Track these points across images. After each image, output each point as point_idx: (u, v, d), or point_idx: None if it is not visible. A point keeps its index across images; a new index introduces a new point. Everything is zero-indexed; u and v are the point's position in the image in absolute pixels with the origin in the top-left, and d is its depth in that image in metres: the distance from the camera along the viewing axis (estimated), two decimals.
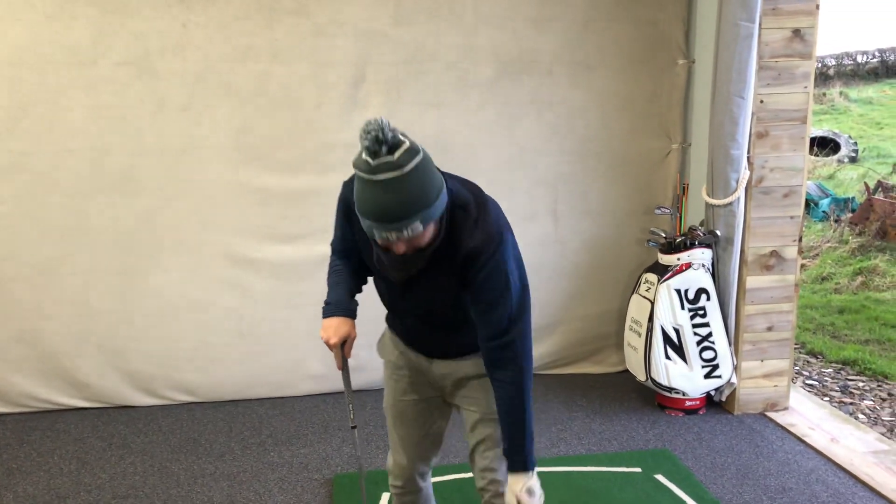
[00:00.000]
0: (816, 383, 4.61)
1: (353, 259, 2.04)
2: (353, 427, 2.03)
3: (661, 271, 3.71)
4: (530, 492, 1.86)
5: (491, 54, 3.98)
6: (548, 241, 4.15)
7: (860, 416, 4.11)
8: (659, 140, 4.14)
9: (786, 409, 3.82)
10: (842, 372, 4.81)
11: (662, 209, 3.92)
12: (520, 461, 1.88)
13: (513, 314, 1.82)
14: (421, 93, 3.93)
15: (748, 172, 3.55)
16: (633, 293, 3.91)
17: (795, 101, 3.54)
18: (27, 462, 3.39)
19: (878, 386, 4.57)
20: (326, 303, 2.00)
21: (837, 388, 4.53)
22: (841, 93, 20.94)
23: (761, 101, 3.50)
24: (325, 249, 3.91)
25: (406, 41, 3.89)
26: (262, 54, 3.78)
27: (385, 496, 3.03)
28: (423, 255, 1.74)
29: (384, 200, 1.58)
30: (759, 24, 3.38)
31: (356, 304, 2.04)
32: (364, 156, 1.59)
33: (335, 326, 1.96)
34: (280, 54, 3.79)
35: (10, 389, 3.85)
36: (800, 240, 3.69)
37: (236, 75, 3.78)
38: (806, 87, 3.53)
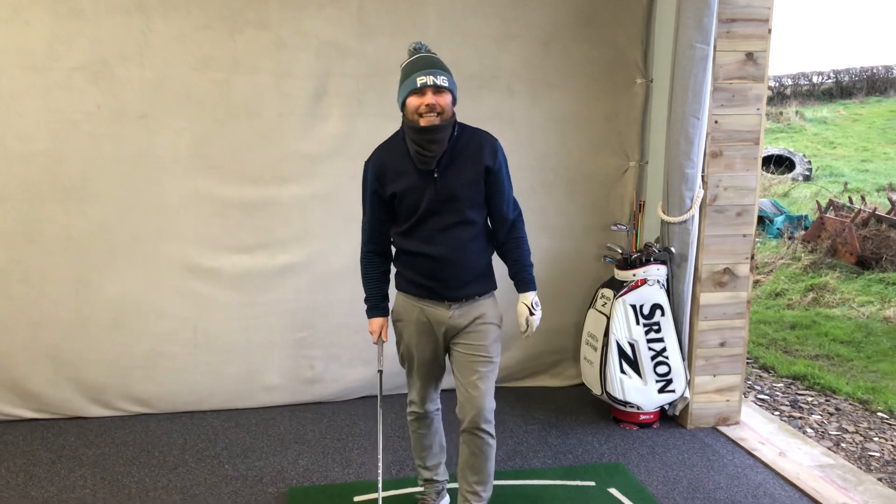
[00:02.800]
0: (768, 397, 4.72)
1: (382, 242, 2.70)
2: (379, 371, 2.77)
3: (617, 287, 3.76)
4: (536, 303, 2.74)
5: (452, 69, 3.95)
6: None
7: (808, 430, 4.21)
8: (617, 158, 4.21)
9: (737, 423, 3.90)
10: (792, 386, 4.93)
11: (619, 226, 3.99)
12: (530, 281, 2.75)
13: (510, 183, 2.73)
14: (382, 106, 3.93)
15: (702, 191, 3.63)
16: (589, 308, 3.96)
17: (748, 122, 3.63)
18: None
19: (826, 401, 4.68)
20: (368, 308, 2.76)
21: (787, 403, 4.64)
22: (797, 112, 21.50)
23: (716, 122, 3.59)
24: (284, 260, 3.96)
25: (369, 54, 3.90)
26: (223, 64, 3.77)
27: None
28: (446, 130, 2.50)
29: (425, 60, 2.51)
30: (714, 47, 3.47)
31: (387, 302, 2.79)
32: (409, 56, 2.56)
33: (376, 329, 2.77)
34: (241, 65, 3.78)
35: None
36: (752, 257, 3.78)
37: (196, 85, 3.75)
38: (758, 109, 3.63)
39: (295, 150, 3.87)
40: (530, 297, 2.73)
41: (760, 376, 5.13)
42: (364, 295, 2.76)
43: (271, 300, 3.96)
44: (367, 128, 3.93)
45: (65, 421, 3.84)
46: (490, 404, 2.67)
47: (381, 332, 2.74)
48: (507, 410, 4.02)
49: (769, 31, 3.57)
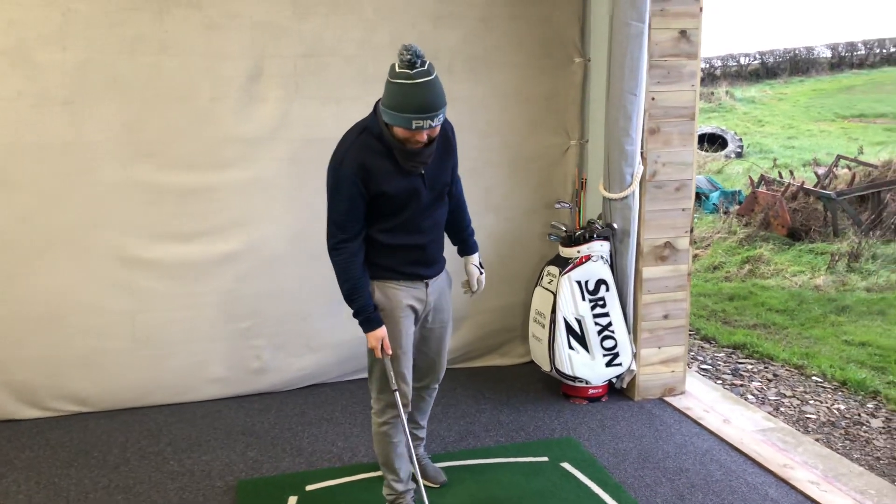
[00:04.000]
0: (710, 367, 4.84)
1: (360, 236, 2.50)
2: (395, 391, 2.59)
3: (563, 264, 3.79)
4: (482, 263, 2.90)
5: (391, 49, 3.93)
6: None
7: (749, 396, 4.34)
8: (558, 136, 4.22)
9: (682, 393, 3.99)
10: (733, 356, 5.07)
11: (562, 204, 4.01)
12: (472, 242, 2.88)
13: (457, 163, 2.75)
14: (320, 87, 3.86)
15: (642, 167, 3.67)
16: (536, 286, 3.98)
17: (684, 98, 3.68)
18: None
19: (765, 368, 4.84)
20: (372, 315, 2.54)
21: (729, 372, 4.77)
22: (727, 92, 22.11)
23: (653, 99, 3.63)
24: (222, 248, 3.85)
25: (305, 35, 3.81)
26: (151, 46, 3.61)
27: (292, 500, 2.96)
28: (433, 146, 2.42)
29: (424, 96, 2.24)
30: (649, 25, 3.51)
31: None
32: (402, 68, 2.23)
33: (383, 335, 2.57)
34: (170, 47, 3.64)
35: None
36: (691, 231, 3.85)
37: (123, 68, 3.59)
38: (693, 85, 3.69)
39: (231, 134, 3.75)
40: (475, 258, 2.89)
41: (702, 347, 5.26)
42: (353, 303, 2.52)
43: (213, 289, 3.85)
44: (305, 110, 3.85)
45: None
46: None
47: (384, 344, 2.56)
48: (458, 391, 4.02)
49: (700, 9, 3.62)
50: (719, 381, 4.53)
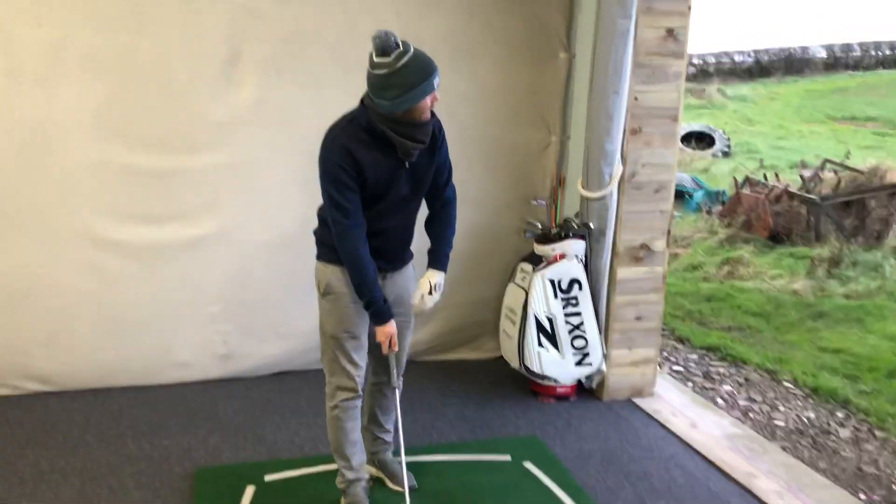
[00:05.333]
0: (682, 369, 4.84)
1: (362, 222, 2.48)
2: (395, 387, 2.66)
3: (536, 261, 3.76)
4: (439, 286, 2.70)
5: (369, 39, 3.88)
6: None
7: (719, 400, 4.34)
8: (539, 132, 4.18)
9: (651, 395, 3.98)
10: (706, 358, 5.07)
11: (539, 201, 3.97)
12: (444, 261, 2.73)
13: (451, 167, 2.71)
14: (300, 73, 3.79)
15: (622, 167, 3.64)
16: (509, 282, 3.95)
17: (668, 98, 3.65)
18: None
19: (737, 371, 4.84)
20: (381, 307, 2.55)
21: (700, 374, 4.78)
22: (719, 89, 22.11)
23: (636, 98, 3.59)
24: (192, 232, 3.79)
25: (285, 19, 3.73)
26: (128, 25, 3.53)
27: (250, 490, 2.94)
28: (431, 122, 2.46)
29: (416, 69, 2.28)
30: (636, 22, 3.46)
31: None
32: (379, 58, 2.26)
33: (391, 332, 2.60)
34: (149, 26, 3.56)
35: None
36: (668, 233, 3.83)
37: (100, 46, 3.51)
38: (678, 86, 3.65)
39: (206, 116, 3.68)
40: (438, 276, 2.71)
41: (676, 348, 5.26)
42: (362, 296, 2.53)
43: (181, 273, 3.79)
44: (283, 95, 3.78)
45: None
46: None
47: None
48: (425, 384, 4.00)
49: (689, 7, 3.57)
50: (690, 384, 4.53)
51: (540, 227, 3.86)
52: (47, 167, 3.54)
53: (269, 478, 3.03)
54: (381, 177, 2.45)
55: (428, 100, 2.37)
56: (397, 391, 2.68)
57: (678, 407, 3.90)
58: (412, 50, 2.31)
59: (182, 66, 3.62)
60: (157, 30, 3.56)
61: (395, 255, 2.68)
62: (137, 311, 3.77)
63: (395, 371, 2.64)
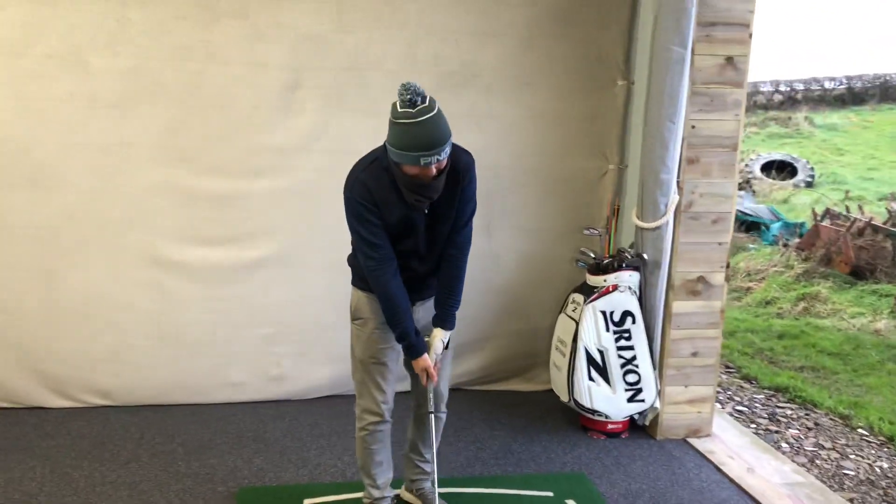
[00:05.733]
0: (746, 409, 4.63)
1: (391, 259, 2.50)
2: (430, 413, 2.66)
3: (588, 292, 3.68)
4: (448, 344, 2.68)
5: (432, 65, 3.94)
6: (481, 255, 4.08)
7: (784, 445, 4.12)
8: (595, 160, 4.12)
9: (708, 435, 3.82)
10: (773, 399, 4.84)
11: (591, 230, 3.90)
12: (450, 320, 2.66)
13: (474, 209, 2.60)
14: (359, 100, 3.87)
15: (678, 197, 3.54)
16: (560, 312, 3.88)
17: (726, 128, 3.54)
18: None
19: (806, 415, 4.59)
20: (413, 341, 2.56)
21: (766, 416, 4.55)
22: (806, 117, 21.28)
23: (693, 127, 3.50)
24: (251, 254, 3.89)
25: (347, 47, 3.83)
26: (198, 54, 3.70)
27: None
28: (443, 177, 2.37)
29: (427, 135, 2.24)
30: (692, 51, 3.38)
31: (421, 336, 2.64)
32: (403, 108, 2.24)
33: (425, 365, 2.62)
34: (216, 55, 3.71)
35: None
36: (727, 266, 3.69)
37: (170, 74, 3.69)
38: (737, 115, 3.54)
39: (267, 142, 3.80)
40: (447, 335, 2.68)
41: (742, 387, 5.04)
42: (394, 330, 2.55)
43: (239, 295, 3.90)
44: (344, 122, 3.86)
45: (25, 411, 3.80)
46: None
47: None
48: (474, 415, 3.96)
49: (750, 35, 3.47)
50: (753, 426, 4.32)
51: (593, 256, 3.78)
52: (117, 188, 3.72)
53: (308, 501, 3.04)
54: (398, 217, 2.45)
55: (416, 170, 2.30)
56: (432, 417, 2.68)
57: (736, 449, 3.73)
58: (427, 116, 2.24)
59: (245, 93, 3.76)
60: (222, 58, 3.71)
61: (422, 287, 2.68)
62: (195, 330, 3.89)
63: (430, 397, 2.65)
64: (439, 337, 2.64)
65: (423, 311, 2.72)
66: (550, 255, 4.17)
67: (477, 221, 4.01)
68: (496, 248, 4.12)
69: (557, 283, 4.18)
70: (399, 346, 2.64)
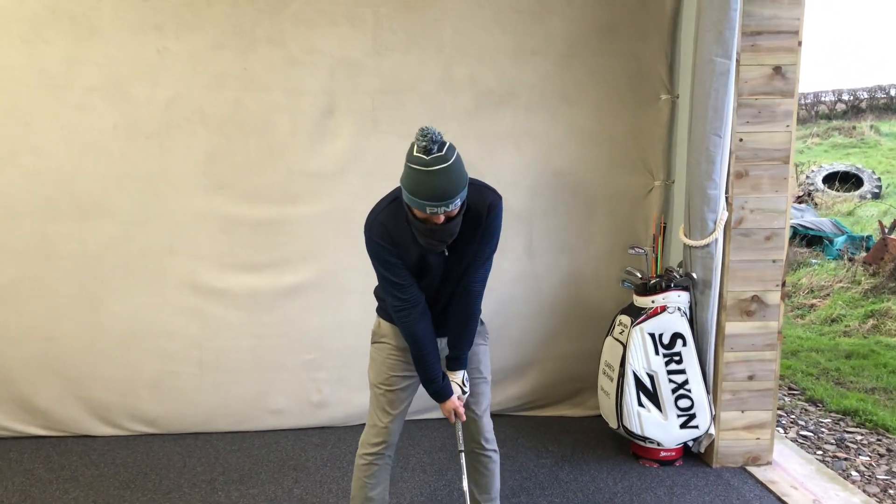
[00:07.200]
0: (811, 434, 4.37)
1: (419, 302, 2.44)
2: (461, 451, 2.59)
3: (635, 313, 3.54)
4: (466, 380, 2.60)
5: (469, 86, 3.89)
6: (523, 277, 4.01)
7: (854, 473, 3.86)
8: (641, 176, 3.99)
9: (768, 463, 3.61)
10: (841, 423, 4.56)
11: (636, 249, 3.76)
12: (463, 361, 2.58)
13: (495, 247, 2.48)
14: (396, 123, 3.84)
15: (727, 213, 3.38)
16: (607, 335, 3.74)
17: (777, 140, 3.37)
18: None
19: (878, 440, 4.31)
20: (439, 386, 2.51)
21: (833, 441, 4.29)
22: (872, 126, 20.52)
23: (740, 140, 3.35)
24: (290, 280, 3.87)
25: (383, 71, 3.81)
26: (236, 82, 3.73)
27: None
28: (458, 220, 2.28)
29: (436, 186, 2.14)
30: (738, 61, 3.24)
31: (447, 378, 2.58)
32: (418, 153, 2.14)
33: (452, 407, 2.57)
34: (253, 83, 3.74)
35: None
36: (783, 284, 3.50)
37: (208, 102, 3.73)
38: (788, 126, 3.37)
39: (304, 168, 3.80)
40: (461, 375, 2.60)
41: (806, 410, 4.77)
42: (420, 373, 2.50)
43: (279, 320, 3.88)
44: (381, 145, 3.84)
45: (72, 439, 3.84)
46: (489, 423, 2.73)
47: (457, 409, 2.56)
48: (519, 442, 3.83)
49: (799, 43, 3.31)
50: (819, 452, 4.07)
51: (639, 276, 3.64)
52: (158, 216, 3.76)
53: None
54: (417, 258, 2.39)
55: (424, 216, 2.22)
56: (463, 455, 2.60)
57: (800, 478, 3.50)
58: (439, 167, 2.13)
59: (282, 119, 3.76)
60: (259, 85, 3.73)
61: (443, 321, 2.58)
62: (236, 357, 3.88)
63: (459, 435, 2.60)
64: (457, 381, 2.57)
65: (442, 344, 2.63)
66: (596, 276, 4.04)
67: (518, 243, 3.99)
68: (538, 270, 4.01)
69: (605, 305, 4.05)
70: (415, 377, 2.60)
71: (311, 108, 3.78)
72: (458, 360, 2.57)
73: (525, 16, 3.84)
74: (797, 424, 4.49)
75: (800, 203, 10.82)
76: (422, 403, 3.45)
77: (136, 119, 3.71)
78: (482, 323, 2.71)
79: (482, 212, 2.38)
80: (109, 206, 3.74)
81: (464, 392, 2.58)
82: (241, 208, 3.79)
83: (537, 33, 3.86)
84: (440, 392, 2.51)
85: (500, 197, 2.43)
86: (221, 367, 3.88)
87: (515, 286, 4.00)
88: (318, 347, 3.93)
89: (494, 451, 2.73)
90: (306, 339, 3.92)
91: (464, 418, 2.57)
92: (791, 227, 8.76)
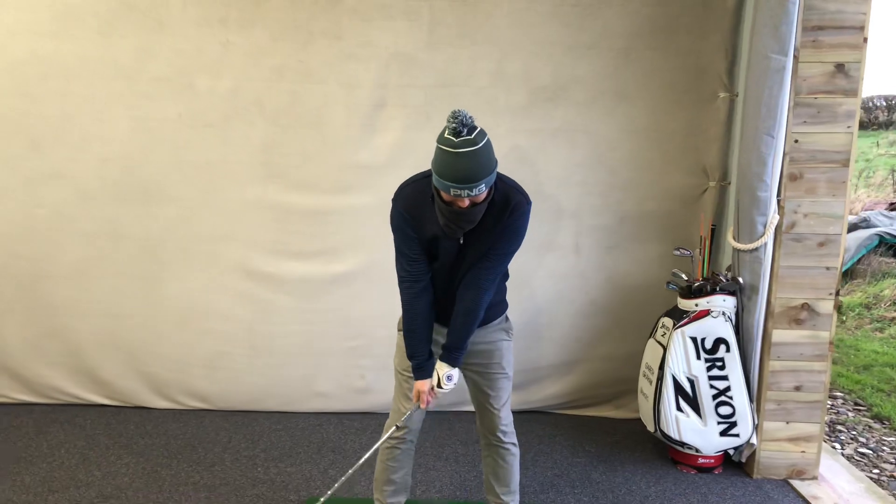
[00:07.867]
0: (870, 452, 4.17)
1: (422, 278, 2.51)
2: (399, 426, 2.66)
3: (678, 316, 3.47)
4: (449, 377, 2.55)
5: (523, 81, 3.87)
6: (568, 274, 3.98)
7: None
8: (695, 177, 3.88)
9: (814, 478, 3.47)
10: None
11: (682, 250, 3.66)
12: (457, 356, 2.54)
13: (514, 249, 2.47)
14: (446, 117, 3.86)
15: (777, 217, 3.26)
16: (650, 337, 3.67)
17: (837, 141, 3.22)
18: (36, 452, 3.57)
19: None
20: (420, 363, 2.55)
21: (893, 461, 4.08)
22: None
23: (796, 141, 3.22)
24: (338, 268, 3.97)
25: (437, 65, 3.84)
26: (293, 74, 3.84)
27: None
28: (482, 208, 2.31)
29: (462, 168, 2.17)
30: (797, 58, 3.12)
31: (433, 360, 2.61)
32: (448, 135, 2.20)
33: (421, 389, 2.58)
34: (310, 75, 3.84)
35: (40, 381, 4.09)
36: (837, 293, 3.35)
37: (268, 94, 3.85)
38: (850, 127, 3.22)
39: (354, 160, 3.88)
40: (449, 370, 2.56)
41: (870, 427, 4.55)
42: (406, 348, 2.57)
43: (326, 307, 4.00)
44: (432, 139, 3.70)
45: (130, 409, 4.08)
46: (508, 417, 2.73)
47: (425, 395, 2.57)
48: (556, 440, 3.82)
49: (864, 39, 3.15)
50: (876, 471, 3.88)
51: (685, 278, 3.56)
52: (215, 202, 3.92)
53: None
54: (431, 236, 2.44)
55: (449, 198, 2.26)
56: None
57: (845, 496, 3.36)
58: (467, 150, 2.17)
59: (336, 111, 3.85)
60: (316, 78, 3.83)
61: (442, 313, 2.62)
62: (285, 340, 4.02)
63: (408, 415, 2.64)
64: (442, 372, 2.55)
65: (484, 334, 2.66)
66: (645, 277, 3.97)
67: (565, 239, 3.96)
68: (584, 268, 3.97)
69: (652, 307, 3.96)
70: None
71: (365, 101, 3.85)
72: (450, 353, 2.55)
73: (581, 9, 3.79)
74: (857, 441, 4.29)
75: (892, 210, 10.22)
76: (460, 396, 3.50)
77: (198, 109, 3.87)
78: (507, 319, 2.72)
79: (505, 209, 2.40)
80: (172, 191, 3.93)
81: (439, 387, 2.56)
82: (294, 197, 3.91)
83: (595, 28, 3.81)
84: (418, 368, 2.55)
85: (528, 201, 2.43)
86: (270, 349, 4.02)
87: (561, 283, 3.98)
88: (363, 335, 4.02)
89: (513, 444, 2.74)
90: (352, 327, 4.01)
91: (424, 406, 2.58)
92: (877, 234, 8.32)
